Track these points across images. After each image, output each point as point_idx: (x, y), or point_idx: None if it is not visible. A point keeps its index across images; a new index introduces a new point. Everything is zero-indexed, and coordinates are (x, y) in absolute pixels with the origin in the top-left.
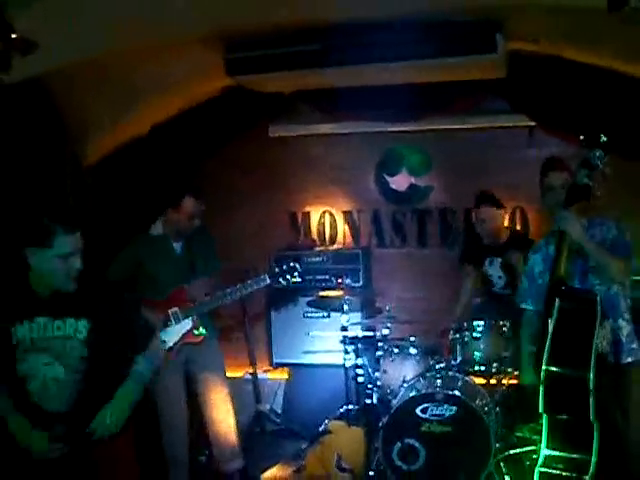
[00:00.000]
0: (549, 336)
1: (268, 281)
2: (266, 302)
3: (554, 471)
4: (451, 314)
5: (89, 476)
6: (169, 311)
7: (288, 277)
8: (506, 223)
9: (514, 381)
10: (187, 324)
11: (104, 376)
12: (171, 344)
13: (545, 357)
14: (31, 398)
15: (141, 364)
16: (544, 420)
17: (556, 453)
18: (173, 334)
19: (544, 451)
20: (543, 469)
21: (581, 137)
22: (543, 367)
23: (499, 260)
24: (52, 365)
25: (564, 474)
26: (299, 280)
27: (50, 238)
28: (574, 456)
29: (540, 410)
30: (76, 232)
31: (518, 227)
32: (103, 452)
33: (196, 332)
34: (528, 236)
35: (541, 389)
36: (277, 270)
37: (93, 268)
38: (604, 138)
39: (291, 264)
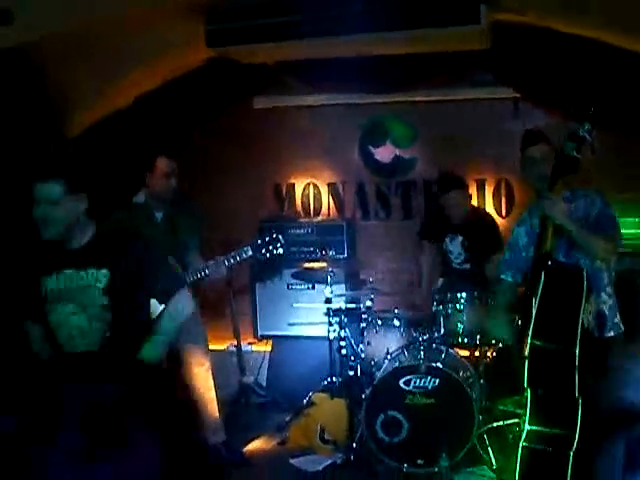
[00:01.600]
0: (534, 310)
1: (250, 253)
2: (250, 274)
3: (537, 446)
4: (419, 291)
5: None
6: None
7: (271, 249)
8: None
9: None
10: None
11: (128, 326)
12: (153, 317)
13: (530, 331)
14: (62, 347)
15: (164, 320)
16: (528, 394)
17: (539, 428)
18: (155, 307)
19: (527, 426)
20: (526, 444)
21: (570, 109)
22: (528, 341)
23: (460, 238)
24: (76, 314)
25: (547, 449)
26: (282, 252)
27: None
28: (557, 432)
29: (524, 384)
30: (46, 181)
31: (503, 199)
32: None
33: None
34: (487, 212)
35: (526, 363)
36: (260, 242)
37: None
38: (592, 110)
39: (274, 235)
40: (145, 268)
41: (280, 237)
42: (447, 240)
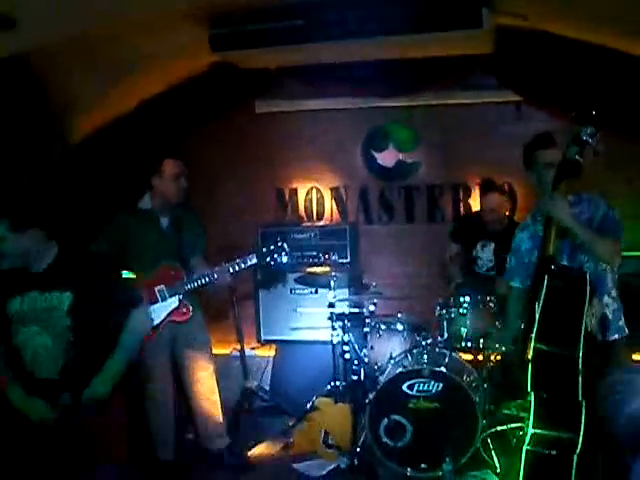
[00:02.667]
0: (538, 314)
1: (255, 260)
2: (254, 279)
3: (541, 450)
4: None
5: (82, 443)
6: (155, 289)
7: (276, 257)
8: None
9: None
10: (174, 302)
11: (90, 345)
12: (157, 322)
13: (534, 335)
14: (26, 367)
15: (125, 336)
16: (531, 398)
17: (543, 432)
18: (159, 312)
19: (531, 429)
20: (530, 447)
21: (572, 113)
22: (532, 345)
23: (492, 245)
24: (41, 335)
25: (551, 453)
26: (286, 260)
27: None
28: (561, 435)
29: (528, 388)
30: None
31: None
32: (96, 421)
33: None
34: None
35: (529, 367)
36: (265, 250)
37: (77, 242)
38: (594, 114)
39: (279, 244)
40: (107, 290)
41: (285, 245)
42: (478, 246)
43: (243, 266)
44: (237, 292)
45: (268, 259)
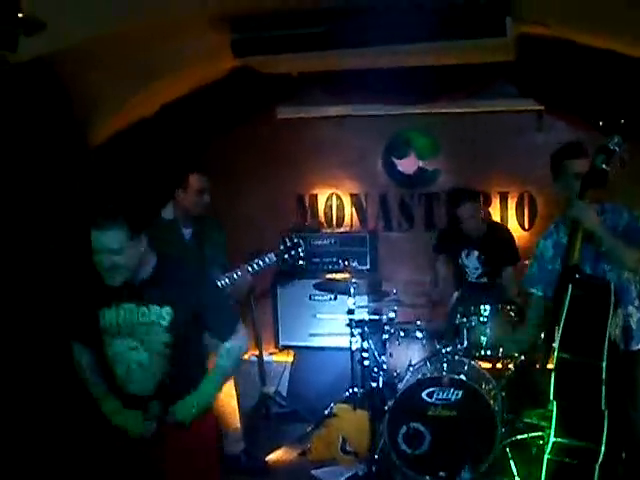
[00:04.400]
0: (562, 323)
1: (275, 259)
2: (272, 284)
3: (563, 459)
4: (435, 290)
5: (173, 457)
6: None
7: (293, 254)
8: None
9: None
10: None
11: (188, 362)
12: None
13: (557, 344)
14: (116, 381)
15: (224, 358)
16: (554, 407)
17: (565, 441)
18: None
19: (553, 438)
20: (551, 457)
21: (600, 122)
22: (555, 354)
23: (476, 252)
24: (137, 350)
25: (573, 462)
26: (303, 256)
27: (91, 233)
28: (583, 444)
29: (551, 397)
30: (107, 230)
31: (526, 212)
32: (186, 434)
33: None
34: (504, 227)
35: (552, 376)
36: (282, 247)
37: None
38: (622, 123)
39: (295, 240)
40: (207, 305)
41: (301, 242)
42: (463, 255)
43: (262, 265)
44: (255, 297)
45: (286, 256)
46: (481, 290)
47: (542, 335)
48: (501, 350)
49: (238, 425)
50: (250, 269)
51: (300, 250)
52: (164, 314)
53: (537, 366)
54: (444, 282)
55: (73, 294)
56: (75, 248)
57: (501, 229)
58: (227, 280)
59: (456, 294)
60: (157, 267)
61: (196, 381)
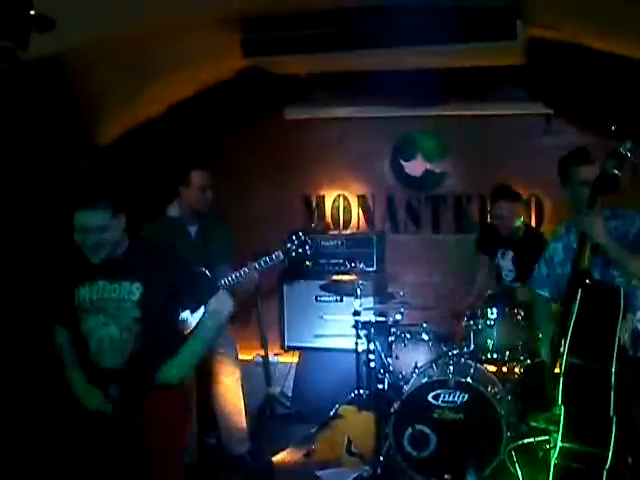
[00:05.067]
0: (570, 327)
1: (282, 256)
2: (279, 285)
3: (570, 463)
4: (466, 299)
5: (139, 430)
6: None
7: (300, 251)
8: (523, 217)
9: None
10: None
11: (158, 336)
12: (192, 327)
13: (566, 349)
14: (89, 355)
15: (205, 321)
16: (562, 412)
17: (572, 446)
18: (192, 316)
19: (560, 443)
20: (559, 461)
21: (612, 127)
22: (564, 359)
23: (511, 253)
24: (108, 325)
25: (581, 467)
26: (311, 253)
27: (74, 213)
28: (591, 450)
29: (559, 402)
30: (92, 210)
31: (533, 215)
32: (157, 405)
33: None
34: (542, 234)
35: (561, 380)
36: (289, 245)
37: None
38: (635, 128)
39: (302, 238)
40: (179, 281)
41: (308, 239)
42: (499, 254)
43: (270, 262)
44: (261, 297)
45: (293, 253)
46: (512, 294)
47: (549, 339)
48: (508, 354)
49: (244, 425)
50: (257, 266)
51: (307, 247)
52: (134, 289)
53: (543, 370)
54: (480, 288)
55: (50, 275)
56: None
57: (538, 235)
58: (235, 277)
59: (489, 292)
60: (130, 246)
61: (170, 356)
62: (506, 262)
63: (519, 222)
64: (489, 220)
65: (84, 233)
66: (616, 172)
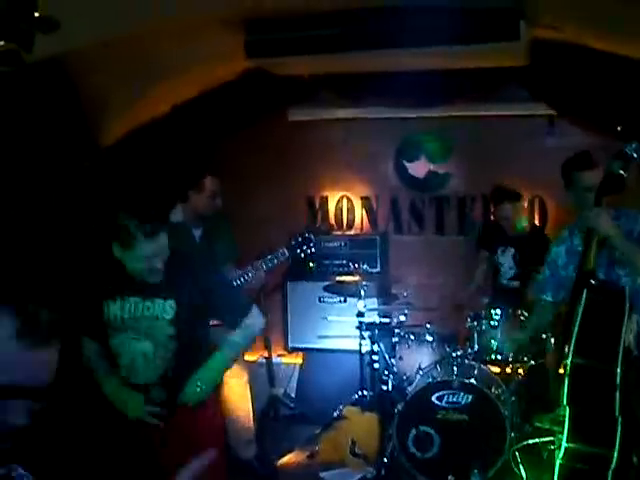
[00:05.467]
0: (576, 328)
1: (287, 254)
2: (282, 286)
3: (575, 464)
4: (465, 292)
5: (177, 443)
6: None
7: (305, 248)
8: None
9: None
10: None
11: (193, 352)
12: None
13: (572, 349)
14: (121, 372)
15: (238, 334)
16: (567, 412)
17: (577, 446)
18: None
19: (565, 444)
20: (563, 462)
21: (618, 128)
22: (569, 359)
23: (512, 250)
24: (140, 341)
25: (585, 468)
26: (314, 251)
27: (131, 242)
28: (596, 450)
29: (564, 402)
30: (157, 235)
31: (536, 216)
32: (192, 420)
33: None
34: (544, 231)
35: (566, 381)
36: (293, 243)
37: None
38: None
39: (306, 235)
40: (214, 297)
41: (312, 237)
42: (499, 252)
43: (276, 262)
44: (265, 298)
45: (298, 251)
46: (512, 295)
47: (553, 340)
48: (511, 355)
49: (252, 428)
50: (264, 266)
51: (311, 245)
52: (167, 308)
53: (547, 371)
54: (479, 282)
55: (80, 288)
56: (79, 244)
57: (541, 234)
58: (242, 278)
59: (487, 300)
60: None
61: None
62: (506, 259)
63: (524, 221)
64: (493, 220)
65: (149, 259)
66: (622, 173)
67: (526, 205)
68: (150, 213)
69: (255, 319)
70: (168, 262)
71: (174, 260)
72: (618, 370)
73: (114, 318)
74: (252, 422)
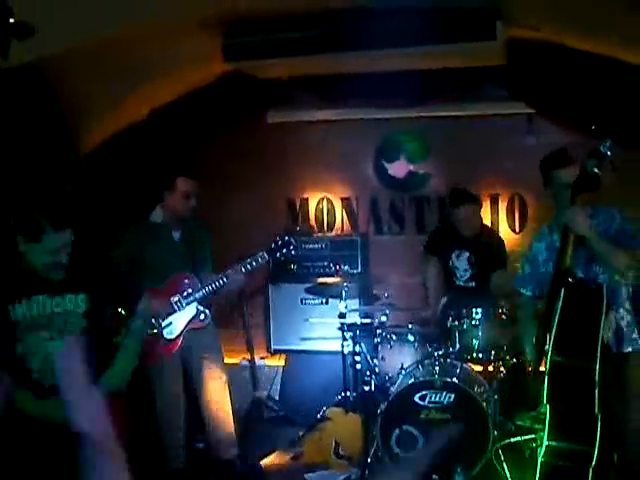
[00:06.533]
0: (554, 326)
1: (267, 257)
2: (264, 288)
3: (557, 461)
4: (426, 306)
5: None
6: (171, 300)
7: (285, 251)
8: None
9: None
10: (191, 310)
11: (101, 345)
12: (178, 332)
13: (550, 347)
14: (32, 376)
15: (135, 321)
16: (547, 410)
17: (559, 444)
18: (178, 322)
19: (547, 441)
20: (545, 459)
21: (592, 126)
22: (548, 357)
23: (466, 253)
24: (54, 340)
25: (567, 465)
26: (295, 254)
27: (39, 235)
28: (577, 447)
29: (544, 400)
30: (65, 229)
31: (516, 215)
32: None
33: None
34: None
35: (546, 379)
36: (273, 245)
37: (87, 245)
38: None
39: (286, 238)
40: (118, 289)
41: (292, 240)
42: (453, 256)
43: (255, 264)
44: (247, 301)
45: (278, 254)
46: (469, 294)
47: (533, 338)
48: (493, 353)
49: (232, 430)
50: (243, 269)
51: (291, 248)
52: (79, 301)
53: (529, 369)
54: (435, 292)
55: None
56: None
57: (492, 232)
58: (221, 280)
59: (444, 299)
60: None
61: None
62: (461, 263)
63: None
64: (449, 220)
65: (56, 253)
66: (596, 171)
67: (506, 205)
68: (61, 207)
69: (145, 307)
70: (76, 256)
71: (80, 255)
72: (597, 367)
73: (23, 319)
74: (232, 422)
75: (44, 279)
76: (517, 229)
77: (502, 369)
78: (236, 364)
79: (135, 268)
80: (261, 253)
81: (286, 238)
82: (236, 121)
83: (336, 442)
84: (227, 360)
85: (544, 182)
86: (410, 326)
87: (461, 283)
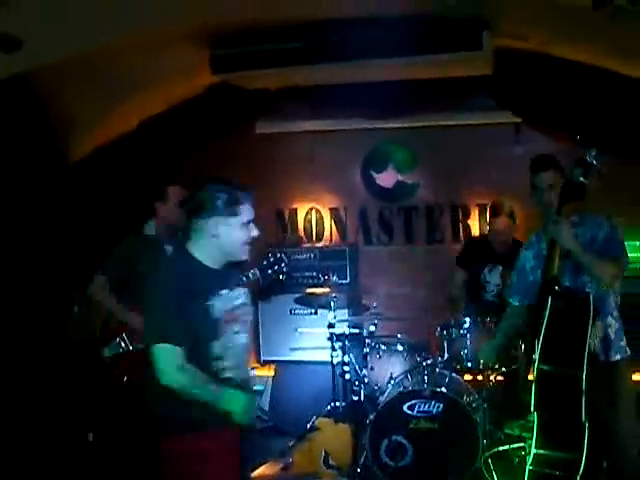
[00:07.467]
0: (542, 335)
1: (258, 274)
2: (253, 299)
3: (544, 470)
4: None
5: None
6: None
7: (276, 269)
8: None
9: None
10: None
11: None
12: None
13: (538, 356)
14: (223, 373)
15: None
16: (535, 418)
17: (546, 452)
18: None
19: (534, 450)
20: (533, 467)
21: (577, 136)
22: (536, 366)
23: (500, 268)
24: (239, 333)
25: (554, 473)
26: (286, 271)
27: (238, 207)
28: (565, 455)
29: (531, 408)
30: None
31: None
32: None
33: None
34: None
35: (533, 388)
36: (265, 263)
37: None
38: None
39: (278, 255)
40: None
41: (284, 257)
42: (486, 270)
43: (246, 281)
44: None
45: (269, 271)
46: (494, 309)
47: (522, 347)
48: (482, 362)
49: None
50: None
51: (283, 265)
52: (247, 294)
53: (518, 378)
54: (456, 296)
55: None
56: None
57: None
58: None
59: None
60: None
61: None
62: (493, 277)
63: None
64: (483, 233)
65: (247, 226)
66: (582, 180)
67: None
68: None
69: None
70: None
71: None
72: (584, 376)
73: (220, 314)
74: None
75: (217, 272)
76: None
77: (491, 378)
78: None
79: (128, 281)
80: (253, 271)
81: (278, 255)
82: (225, 131)
83: (326, 452)
84: None
85: (531, 189)
86: (399, 336)
87: (489, 298)
